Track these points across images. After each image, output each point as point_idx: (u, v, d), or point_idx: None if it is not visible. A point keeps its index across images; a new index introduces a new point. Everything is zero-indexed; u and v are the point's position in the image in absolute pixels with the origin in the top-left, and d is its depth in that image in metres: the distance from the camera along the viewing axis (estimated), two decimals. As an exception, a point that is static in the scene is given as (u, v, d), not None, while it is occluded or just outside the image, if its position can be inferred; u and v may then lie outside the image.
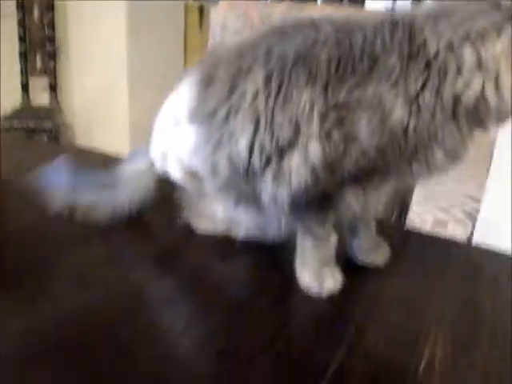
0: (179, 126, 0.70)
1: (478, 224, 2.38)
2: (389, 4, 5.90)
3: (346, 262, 0.71)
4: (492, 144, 2.19)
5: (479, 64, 0.57)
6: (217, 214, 0.76)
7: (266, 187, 0.64)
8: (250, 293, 0.67)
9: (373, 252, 0.73)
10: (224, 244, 0.74)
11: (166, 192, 0.77)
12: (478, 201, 3.15)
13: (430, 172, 0.63)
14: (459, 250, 0.84)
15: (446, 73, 0.58)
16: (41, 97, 2.80)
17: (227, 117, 0.63)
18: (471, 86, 0.58)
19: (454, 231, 2.85)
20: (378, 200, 0.70)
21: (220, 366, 0.55)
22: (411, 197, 1.15)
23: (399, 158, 0.61)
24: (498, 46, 0.57)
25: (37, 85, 2.79)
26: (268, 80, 0.61)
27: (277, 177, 0.63)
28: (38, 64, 2.80)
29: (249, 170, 0.64)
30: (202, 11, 3.18)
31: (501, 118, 0.61)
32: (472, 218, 3.08)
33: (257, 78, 0.62)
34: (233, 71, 0.64)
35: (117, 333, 0.58)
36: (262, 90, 0.61)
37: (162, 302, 0.65)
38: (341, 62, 0.59)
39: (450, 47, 0.58)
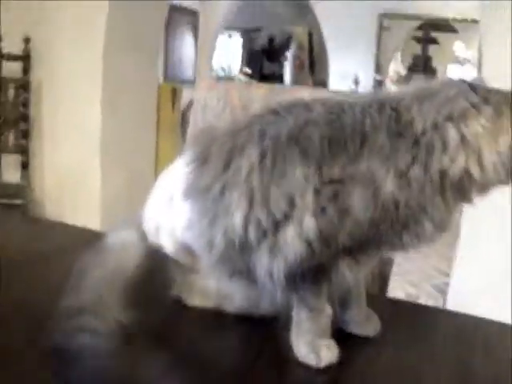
0: (173, 202, 0.72)
1: (449, 296, 2.42)
2: (352, 86, 6.20)
3: (338, 333, 0.72)
4: (457, 221, 2.27)
5: (462, 141, 0.62)
6: (208, 289, 0.77)
7: (262, 261, 0.65)
8: (245, 365, 0.67)
9: (364, 324, 0.75)
10: (216, 318, 0.75)
11: (157, 265, 0.78)
12: (446, 274, 3.21)
13: (419, 242, 0.66)
14: (446, 317, 0.87)
15: (432, 149, 0.62)
16: (12, 174, 2.80)
17: (222, 192, 0.65)
18: (456, 162, 0.62)
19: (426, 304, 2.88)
20: (368, 270, 0.72)
21: None
22: (391, 270, 1.18)
23: (391, 230, 0.64)
24: (478, 125, 0.62)
25: (9, 162, 2.79)
26: (262, 157, 0.64)
27: (272, 250, 0.64)
28: (11, 142, 2.81)
29: (244, 244, 0.65)
30: (174, 93, 3.28)
31: (483, 190, 0.65)
32: (441, 291, 3.12)
33: (251, 155, 0.65)
34: (227, 149, 0.67)
35: None
36: (256, 167, 0.64)
37: (157, 376, 0.64)
38: (333, 140, 0.63)
39: (435, 126, 0.63)
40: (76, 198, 2.78)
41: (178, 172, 0.72)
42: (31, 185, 2.82)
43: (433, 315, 0.87)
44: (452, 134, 0.62)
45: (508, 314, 1.82)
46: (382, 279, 1.11)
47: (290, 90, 1.30)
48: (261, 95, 1.27)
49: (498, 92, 0.65)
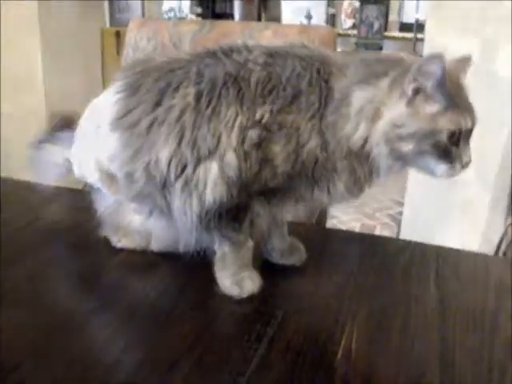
0: (100, 130, 0.70)
1: (402, 224, 2.48)
2: (304, 21, 6.09)
3: (264, 264, 0.73)
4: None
5: (361, 109, 0.61)
6: (134, 231, 0.76)
7: (176, 199, 0.66)
8: (169, 301, 0.68)
9: (288, 253, 0.76)
10: (142, 257, 0.75)
11: (84, 208, 0.78)
12: (401, 204, 3.28)
13: (330, 200, 0.68)
14: (375, 243, 0.89)
15: (340, 116, 0.62)
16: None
17: (149, 128, 0.65)
18: (357, 130, 0.62)
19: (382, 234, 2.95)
20: (285, 209, 0.72)
21: (141, 375, 0.55)
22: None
23: (304, 184, 0.65)
24: (376, 95, 0.61)
25: None
26: (198, 98, 0.64)
27: (188, 187, 0.64)
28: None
29: (165, 181, 0.65)
30: (118, 36, 3.17)
31: (389, 166, 0.64)
32: (397, 220, 3.20)
33: (187, 95, 0.64)
34: (161, 85, 0.66)
35: (44, 347, 0.59)
36: (191, 107, 0.64)
37: (85, 317, 0.65)
38: (267, 84, 0.63)
39: (345, 94, 0.62)
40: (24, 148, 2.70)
41: (108, 100, 0.70)
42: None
43: (362, 243, 0.89)
44: (355, 100, 0.62)
45: (457, 239, 1.89)
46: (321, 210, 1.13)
47: (221, 24, 1.26)
48: (191, 32, 1.24)
49: (399, 65, 0.63)
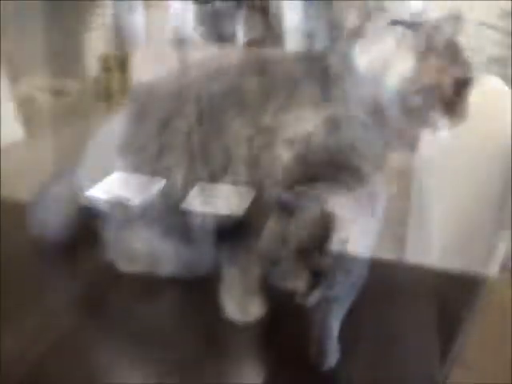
0: (110, 156, 0.71)
1: (407, 246, 2.46)
2: (307, 41, 6.14)
3: (269, 287, 0.73)
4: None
5: (369, 69, 0.62)
6: (140, 252, 0.77)
7: (192, 218, 0.66)
8: (176, 327, 0.68)
9: (292, 278, 0.76)
10: (148, 282, 0.75)
11: (91, 230, 0.78)
12: (406, 225, 3.25)
13: (355, 183, 0.66)
14: (378, 265, 0.89)
15: (344, 81, 0.63)
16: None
17: (159, 152, 0.67)
18: (369, 90, 0.62)
19: (387, 256, 2.92)
20: (299, 227, 0.73)
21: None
22: (332, 225, 1.19)
23: (325, 174, 0.64)
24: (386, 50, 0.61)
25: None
26: (200, 116, 0.65)
27: (203, 207, 0.66)
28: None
29: (181, 203, 0.66)
30: (122, 61, 3.19)
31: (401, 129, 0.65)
32: (402, 241, 3.18)
33: (189, 116, 0.66)
34: (165, 110, 0.68)
35: (45, 371, 0.59)
36: (195, 127, 0.65)
37: (88, 341, 0.66)
38: (264, 88, 0.64)
39: (349, 61, 0.62)
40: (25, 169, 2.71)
41: (116, 126, 0.72)
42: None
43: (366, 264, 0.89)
44: (361, 62, 0.62)
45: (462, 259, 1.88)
46: (324, 232, 1.12)
47: (228, 49, 1.28)
48: (198, 56, 1.25)
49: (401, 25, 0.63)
